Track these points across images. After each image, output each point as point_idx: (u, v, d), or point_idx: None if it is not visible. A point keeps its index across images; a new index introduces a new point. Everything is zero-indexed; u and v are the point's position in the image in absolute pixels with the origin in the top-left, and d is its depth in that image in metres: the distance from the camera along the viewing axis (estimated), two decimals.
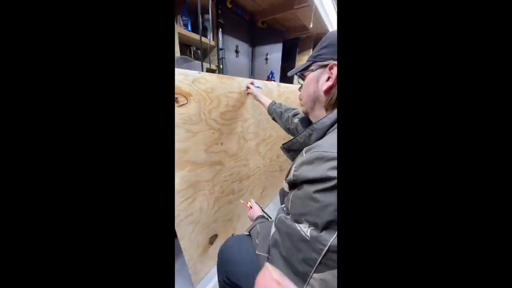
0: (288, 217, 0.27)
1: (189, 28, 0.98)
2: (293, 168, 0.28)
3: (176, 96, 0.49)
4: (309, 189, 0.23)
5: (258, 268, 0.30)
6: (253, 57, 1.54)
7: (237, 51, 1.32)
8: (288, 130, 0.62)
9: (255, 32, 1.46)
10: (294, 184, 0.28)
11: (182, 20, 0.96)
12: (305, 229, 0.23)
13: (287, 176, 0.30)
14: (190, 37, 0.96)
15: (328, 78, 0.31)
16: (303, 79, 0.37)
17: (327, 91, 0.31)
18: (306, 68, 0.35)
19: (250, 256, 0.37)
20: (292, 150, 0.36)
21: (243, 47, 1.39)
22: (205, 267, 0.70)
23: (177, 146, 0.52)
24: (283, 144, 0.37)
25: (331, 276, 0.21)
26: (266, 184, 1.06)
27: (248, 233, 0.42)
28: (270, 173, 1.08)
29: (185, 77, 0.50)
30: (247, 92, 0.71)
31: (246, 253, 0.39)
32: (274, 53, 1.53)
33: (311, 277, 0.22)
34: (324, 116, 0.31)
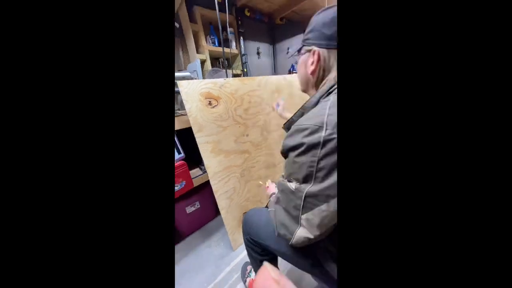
0: (284, 178, 0.35)
1: (216, 44, 1.18)
2: (282, 142, 0.35)
3: (209, 100, 0.65)
4: (291, 154, 0.31)
5: (272, 225, 0.38)
6: (274, 54, 1.61)
7: (258, 53, 1.44)
8: None
9: (274, 30, 1.52)
10: (284, 153, 0.34)
11: (211, 39, 1.17)
12: (292, 184, 0.31)
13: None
14: (218, 51, 1.15)
15: (312, 62, 0.35)
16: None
17: (313, 73, 0.36)
18: (298, 51, 0.39)
19: (266, 220, 0.47)
20: (289, 128, 0.42)
21: (264, 47, 1.49)
22: (241, 236, 0.85)
23: (212, 139, 0.68)
24: (284, 124, 0.42)
25: (311, 215, 0.29)
26: None
27: (266, 207, 0.51)
28: None
29: (214, 85, 0.66)
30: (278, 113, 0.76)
31: (265, 218, 0.48)
32: (295, 45, 1.54)
33: (300, 218, 0.30)
34: (312, 96, 0.36)
